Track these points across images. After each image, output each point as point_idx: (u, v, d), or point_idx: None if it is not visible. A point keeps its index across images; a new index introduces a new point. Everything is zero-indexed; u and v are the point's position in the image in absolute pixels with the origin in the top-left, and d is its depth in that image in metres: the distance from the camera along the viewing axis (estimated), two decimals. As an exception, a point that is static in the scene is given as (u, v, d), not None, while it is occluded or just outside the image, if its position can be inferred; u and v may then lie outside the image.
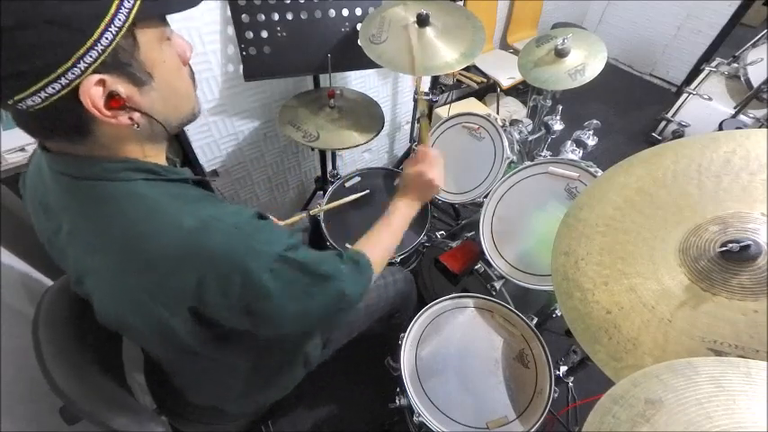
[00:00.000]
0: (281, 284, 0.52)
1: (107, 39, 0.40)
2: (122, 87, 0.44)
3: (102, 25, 0.40)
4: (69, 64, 0.39)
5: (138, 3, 0.42)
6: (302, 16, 1.17)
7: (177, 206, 0.50)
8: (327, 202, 1.29)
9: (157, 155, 0.56)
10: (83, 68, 0.40)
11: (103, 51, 0.41)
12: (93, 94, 0.41)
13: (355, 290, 0.64)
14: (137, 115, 0.47)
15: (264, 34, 1.15)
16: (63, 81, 0.40)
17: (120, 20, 0.41)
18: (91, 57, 0.40)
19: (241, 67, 1.21)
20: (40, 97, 0.40)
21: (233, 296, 0.50)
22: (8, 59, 0.38)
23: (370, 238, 0.77)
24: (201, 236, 0.48)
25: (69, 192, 0.51)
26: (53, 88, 0.40)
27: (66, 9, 0.38)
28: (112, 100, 0.43)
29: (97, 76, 0.41)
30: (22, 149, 0.94)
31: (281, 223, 1.07)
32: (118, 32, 0.41)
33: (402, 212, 0.82)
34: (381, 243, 0.76)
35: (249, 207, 0.58)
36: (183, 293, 0.49)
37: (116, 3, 0.40)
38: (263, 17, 1.13)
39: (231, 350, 0.64)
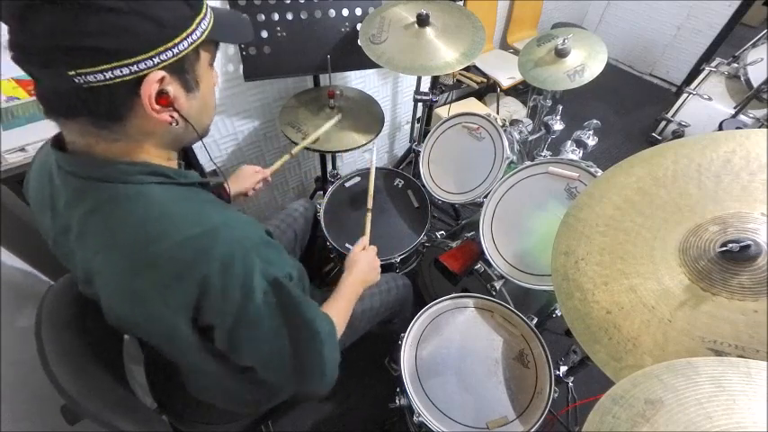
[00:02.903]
0: (268, 311, 0.53)
1: (183, 46, 0.47)
2: (173, 88, 0.49)
3: (184, 35, 0.47)
4: (147, 56, 0.44)
5: (209, 28, 0.50)
6: (302, 16, 1.17)
7: (189, 210, 0.51)
8: (327, 202, 1.29)
9: (174, 158, 0.59)
10: (155, 63, 0.45)
11: (176, 55, 0.47)
12: (152, 87, 0.46)
13: (329, 353, 0.62)
14: (176, 115, 0.51)
15: (264, 34, 1.15)
16: (134, 68, 0.44)
17: (196, 35, 0.48)
18: (166, 56, 0.46)
19: (241, 67, 1.21)
20: (104, 75, 0.42)
21: (229, 310, 0.50)
22: (96, 34, 0.41)
23: (332, 308, 0.77)
24: (211, 241, 0.48)
25: (80, 193, 0.51)
26: (121, 71, 0.43)
27: (165, 13, 0.45)
28: (161, 97, 0.48)
29: (162, 73, 0.46)
30: (23, 149, 0.93)
31: (269, 171, 1.06)
32: (191, 44, 0.48)
33: (350, 295, 0.84)
34: (338, 317, 0.75)
35: (258, 222, 0.60)
36: (187, 298, 0.49)
37: (197, 22, 0.48)
38: (262, 17, 1.13)
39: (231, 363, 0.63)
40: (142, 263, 0.49)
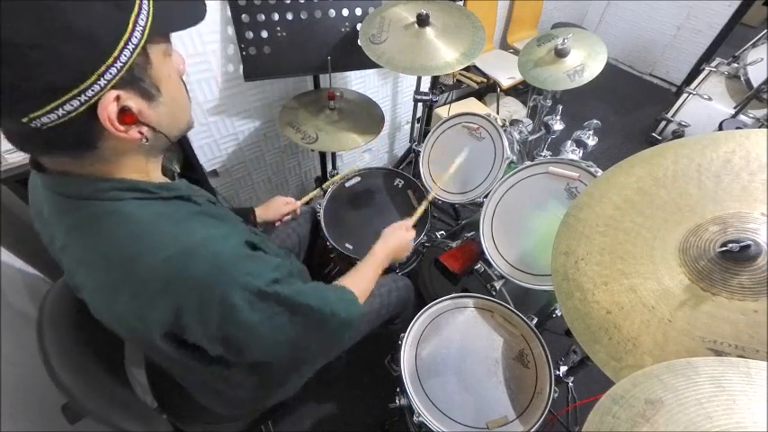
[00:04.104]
0: (260, 317, 0.52)
1: (125, 56, 0.42)
2: (134, 102, 0.45)
3: (122, 43, 0.41)
4: (91, 81, 0.40)
5: (150, 21, 0.44)
6: (302, 16, 1.17)
7: (165, 229, 0.49)
8: (327, 201, 1.29)
9: (155, 168, 0.56)
10: (102, 85, 0.41)
11: (122, 68, 0.42)
12: (110, 109, 0.42)
13: (349, 311, 0.66)
14: (145, 129, 0.48)
15: (264, 34, 1.15)
16: (83, 97, 0.40)
17: (136, 37, 0.42)
18: (110, 74, 0.41)
19: (241, 67, 1.21)
20: (57, 114, 0.40)
21: (211, 326, 0.50)
22: (27, 77, 0.38)
23: (354, 276, 0.82)
24: (184, 262, 0.47)
25: (61, 209, 0.51)
26: (71, 105, 0.40)
27: (90, 28, 0.39)
28: (124, 115, 0.44)
29: (115, 92, 0.42)
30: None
31: (299, 202, 1.08)
32: (134, 49, 0.42)
33: (380, 262, 0.88)
34: (362, 283, 0.81)
35: (242, 231, 0.58)
36: (162, 317, 0.48)
37: (132, 21, 0.42)
38: (263, 17, 1.13)
39: (232, 365, 0.63)
40: (117, 283, 0.49)
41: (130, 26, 0.42)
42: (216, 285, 0.48)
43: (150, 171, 0.55)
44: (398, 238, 0.95)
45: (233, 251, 0.52)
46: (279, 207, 1.06)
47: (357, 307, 0.70)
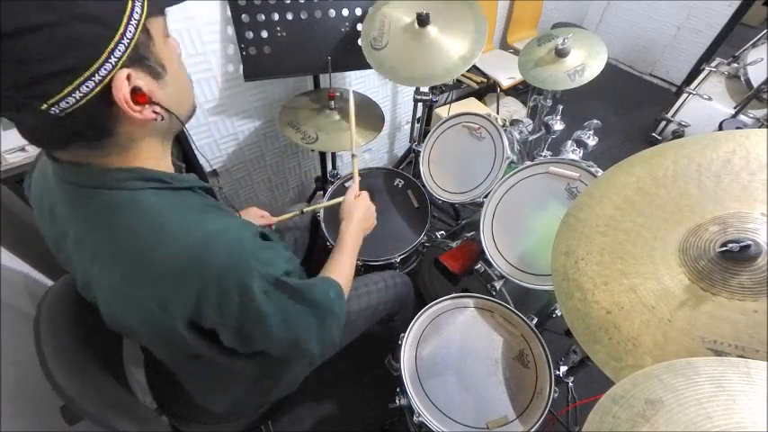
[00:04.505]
0: (274, 307, 0.53)
1: (130, 32, 0.42)
2: (144, 82, 0.45)
3: (125, 18, 0.41)
4: (103, 59, 0.40)
5: None
6: (302, 16, 1.17)
7: (183, 218, 0.50)
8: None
9: (166, 157, 0.56)
10: (114, 63, 0.41)
11: (129, 45, 0.42)
12: (123, 89, 0.42)
13: (341, 314, 0.67)
14: (158, 108, 0.48)
15: (264, 34, 1.15)
16: (97, 77, 0.41)
17: (137, 13, 0.43)
18: (119, 51, 0.41)
19: (241, 67, 1.21)
20: (74, 97, 0.40)
21: (230, 315, 0.50)
22: (45, 58, 0.38)
23: (335, 267, 0.79)
24: (205, 250, 0.48)
25: (76, 201, 0.51)
26: (87, 86, 0.40)
27: (94, 5, 0.39)
28: (137, 95, 0.45)
29: (126, 71, 0.42)
30: (23, 149, 0.93)
31: (275, 219, 1.07)
32: (137, 25, 0.43)
33: (351, 244, 0.86)
34: (343, 271, 0.79)
35: (251, 223, 0.59)
36: (185, 305, 0.49)
37: None
38: (263, 17, 1.13)
39: (239, 354, 0.64)
40: (138, 272, 0.49)
41: (130, 2, 0.42)
42: (236, 272, 0.49)
43: (165, 158, 0.56)
44: (358, 212, 0.91)
45: (252, 240, 0.52)
46: (253, 219, 1.04)
47: (344, 301, 0.71)
